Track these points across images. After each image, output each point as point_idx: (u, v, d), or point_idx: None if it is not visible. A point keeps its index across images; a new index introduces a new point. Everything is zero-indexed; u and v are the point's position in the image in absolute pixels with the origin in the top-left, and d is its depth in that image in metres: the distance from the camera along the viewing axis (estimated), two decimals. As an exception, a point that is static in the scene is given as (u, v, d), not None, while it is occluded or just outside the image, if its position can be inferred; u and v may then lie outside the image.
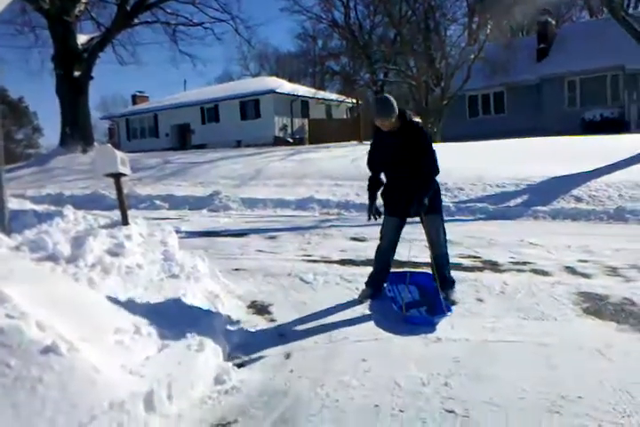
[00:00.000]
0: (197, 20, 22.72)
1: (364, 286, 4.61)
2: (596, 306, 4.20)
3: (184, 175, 15.08)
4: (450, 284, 4.44)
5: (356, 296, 4.57)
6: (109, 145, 5.37)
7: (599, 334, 3.64)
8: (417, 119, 4.27)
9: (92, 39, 20.51)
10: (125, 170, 5.04)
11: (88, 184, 14.09)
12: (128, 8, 20.33)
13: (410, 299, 4.42)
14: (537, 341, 3.55)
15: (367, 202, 4.50)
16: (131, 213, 11.00)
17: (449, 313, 3.98)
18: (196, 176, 14.77)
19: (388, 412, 2.74)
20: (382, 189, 4.49)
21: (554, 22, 25.89)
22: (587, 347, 3.43)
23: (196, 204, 11.72)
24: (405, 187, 4.22)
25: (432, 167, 4.20)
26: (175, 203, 11.99)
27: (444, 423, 2.63)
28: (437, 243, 4.37)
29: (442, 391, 2.94)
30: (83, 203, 11.98)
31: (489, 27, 21.44)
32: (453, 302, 4.29)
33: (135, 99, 39.60)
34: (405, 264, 5.32)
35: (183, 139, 31.87)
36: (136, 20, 21.44)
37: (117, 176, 5.05)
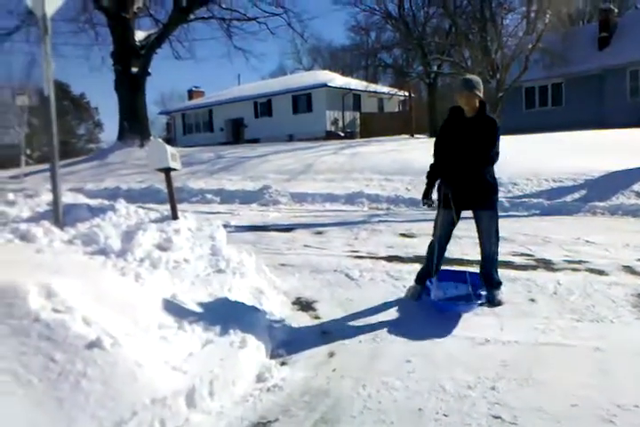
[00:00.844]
0: (251, 14, 22.92)
1: (412, 284, 4.51)
2: (656, 309, 3.99)
3: (235, 170, 15.23)
4: (496, 284, 4.29)
5: (402, 294, 4.50)
6: (160, 140, 5.44)
7: (659, 340, 3.46)
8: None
9: (149, 36, 20.97)
10: (176, 165, 5.10)
11: (144, 178, 14.41)
12: (184, 4, 20.66)
13: (455, 295, 4.30)
14: (591, 345, 3.39)
15: (423, 191, 4.33)
16: (183, 206, 11.27)
17: (478, 301, 3.99)
18: (246, 170, 14.89)
19: (431, 416, 2.67)
20: (440, 179, 4.32)
21: (616, 10, 24.81)
22: (645, 353, 3.26)
23: (246, 198, 11.81)
24: (466, 177, 4.09)
25: (487, 155, 4.07)
26: (226, 197, 12.12)
27: (489, 430, 2.54)
28: (489, 241, 4.24)
29: (489, 396, 2.84)
30: (139, 196, 12.30)
31: (548, 15, 20.70)
32: (499, 303, 4.16)
33: (191, 94, 40.32)
34: (455, 262, 5.21)
35: (237, 133, 32.23)
36: (192, 16, 21.80)
37: (168, 171, 5.11)
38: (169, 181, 5.13)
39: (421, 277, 4.43)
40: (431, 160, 4.38)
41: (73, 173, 17.80)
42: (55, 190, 4.43)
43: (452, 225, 4.26)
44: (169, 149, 4.88)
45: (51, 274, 3.04)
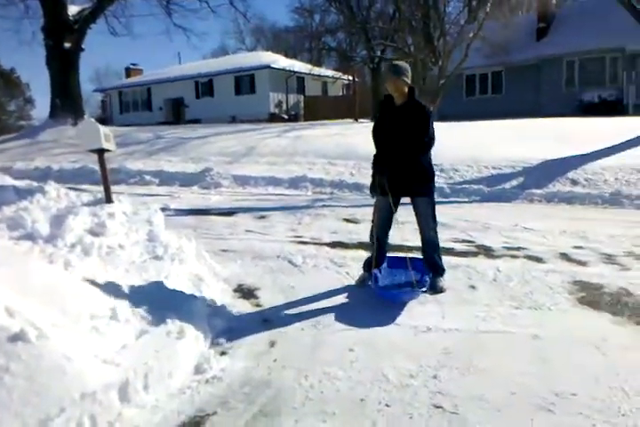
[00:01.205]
0: (192, -9, 22.16)
1: (360, 271, 4.47)
2: (591, 296, 4.08)
3: (175, 151, 14.82)
4: (440, 270, 4.31)
5: (345, 281, 4.46)
6: (93, 120, 5.17)
7: (594, 327, 3.52)
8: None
9: (83, 10, 19.97)
10: (109, 146, 4.85)
11: (77, 158, 13.82)
12: (120, -23, 19.83)
13: (400, 282, 4.28)
14: (530, 332, 3.43)
15: (371, 179, 4.30)
16: (120, 188, 10.92)
17: (422, 289, 3.97)
18: (187, 152, 14.52)
19: (374, 407, 2.63)
20: (376, 167, 4.28)
21: (554, 1, 25.41)
22: (581, 340, 3.31)
23: (186, 180, 11.53)
24: (401, 165, 4.07)
25: (423, 142, 4.04)
26: (166, 179, 11.80)
27: (431, 420, 2.52)
28: (427, 227, 4.25)
29: (430, 385, 2.82)
30: (71, 177, 11.84)
31: (489, 4, 20.98)
32: (441, 290, 4.17)
33: (129, 71, 38.93)
34: (397, 248, 5.19)
35: (177, 113, 31.42)
36: (129, -10, 20.91)
37: (101, 152, 4.86)
38: (102, 162, 4.89)
39: (368, 265, 4.40)
40: (374, 150, 4.33)
41: (1, 152, 16.94)
42: (-23, 170, 4.12)
43: (391, 212, 4.23)
44: (102, 129, 4.63)
45: (-30, 261, 2.82)
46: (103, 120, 32.28)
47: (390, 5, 26.60)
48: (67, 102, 19.63)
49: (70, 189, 9.75)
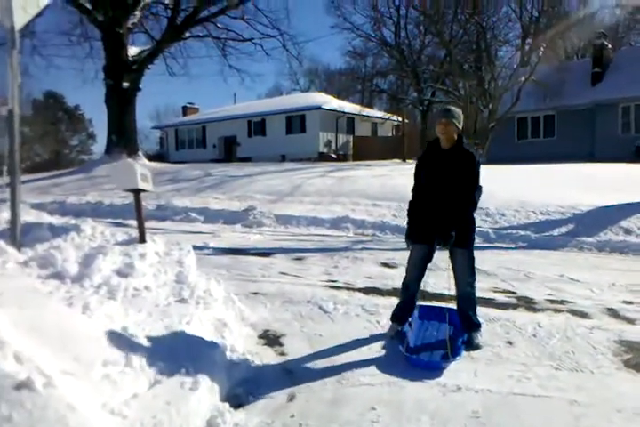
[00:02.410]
0: (247, 35, 22.99)
1: (389, 322, 4.28)
2: (638, 358, 3.77)
3: (222, 188, 15.04)
4: (474, 327, 4.06)
5: (375, 330, 4.28)
6: (130, 160, 5.26)
7: (640, 394, 3.24)
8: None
9: (142, 51, 20.94)
10: (146, 186, 4.90)
11: (127, 194, 14.08)
12: (178, 22, 20.75)
13: (433, 339, 4.07)
14: (569, 397, 3.17)
15: (406, 226, 4.18)
16: (165, 224, 11.06)
17: (456, 358, 3.68)
18: (234, 190, 14.70)
19: (390, 475, 2.44)
20: (413, 213, 4.18)
21: (610, 46, 25.09)
22: (625, 409, 3.03)
23: (230, 218, 11.60)
24: (440, 213, 3.91)
25: (470, 198, 3.92)
26: (210, 216, 11.90)
27: None
28: (462, 281, 4.03)
29: (454, 453, 2.62)
30: (120, 212, 12.08)
31: (542, 49, 20.88)
32: (477, 347, 3.93)
33: (185, 110, 40.32)
34: (434, 297, 5.01)
35: (229, 151, 32.16)
36: (187, 34, 21.85)
37: (137, 192, 4.92)
38: (138, 202, 4.93)
39: (397, 316, 4.21)
40: (410, 196, 4.22)
41: (57, 186, 17.61)
42: (14, 208, 4.19)
43: (425, 260, 4.08)
44: (139, 169, 4.69)
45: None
46: (160, 156, 33.31)
47: (441, 49, 26.77)
48: (122, 139, 20.41)
49: (118, 224, 9.99)
